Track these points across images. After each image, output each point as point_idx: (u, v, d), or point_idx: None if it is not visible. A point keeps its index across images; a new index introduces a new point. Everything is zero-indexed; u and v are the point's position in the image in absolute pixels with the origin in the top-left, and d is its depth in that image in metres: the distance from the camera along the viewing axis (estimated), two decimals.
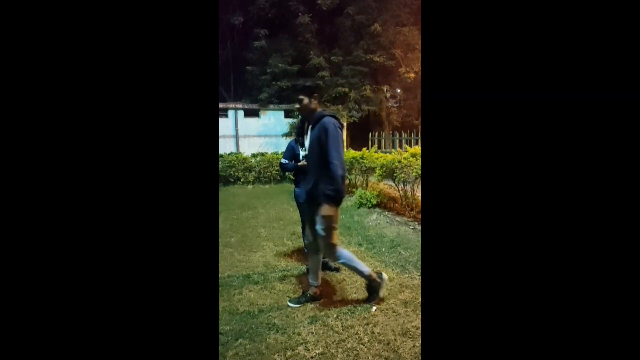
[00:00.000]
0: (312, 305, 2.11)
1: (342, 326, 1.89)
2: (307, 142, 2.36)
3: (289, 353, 1.66)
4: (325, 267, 2.68)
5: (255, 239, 3.58)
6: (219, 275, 2.61)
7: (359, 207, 4.70)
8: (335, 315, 1.99)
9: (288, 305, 2.13)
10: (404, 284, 2.40)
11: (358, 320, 1.94)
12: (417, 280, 2.46)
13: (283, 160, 2.65)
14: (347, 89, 9.92)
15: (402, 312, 2.01)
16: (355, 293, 2.28)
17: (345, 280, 2.49)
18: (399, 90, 12.81)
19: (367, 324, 1.90)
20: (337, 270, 2.66)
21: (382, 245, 3.25)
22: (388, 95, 11.90)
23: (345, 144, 10.62)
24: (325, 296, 2.24)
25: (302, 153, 2.54)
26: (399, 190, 4.57)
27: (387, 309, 2.05)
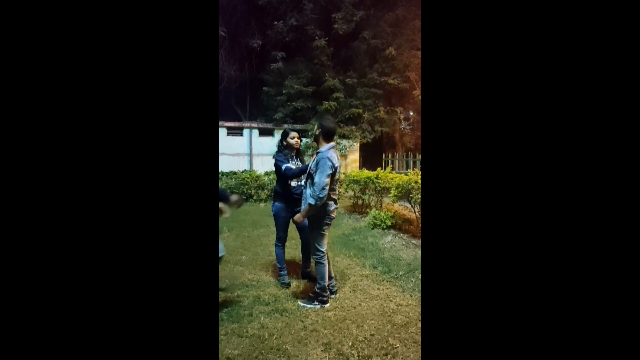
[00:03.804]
0: (326, 331, 1.98)
1: (358, 356, 1.75)
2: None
3: None
4: (306, 276, 2.79)
5: (267, 258, 3.48)
6: (229, 294, 2.52)
7: (372, 228, 4.57)
8: (350, 344, 1.86)
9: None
10: None
11: (375, 350, 1.80)
12: None
13: (289, 165, 2.59)
14: (360, 110, 9.99)
15: None
16: (371, 319, 2.14)
17: (360, 305, 2.36)
18: (412, 113, 12.84)
19: (386, 355, 1.76)
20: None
21: (399, 269, 3.10)
22: (402, 117, 11.93)
23: (358, 164, 10.60)
24: (338, 320, 2.11)
25: (284, 166, 2.55)
26: (415, 212, 4.44)
27: (406, 339, 1.91)
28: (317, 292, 2.34)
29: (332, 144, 2.28)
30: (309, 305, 2.31)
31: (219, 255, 2.14)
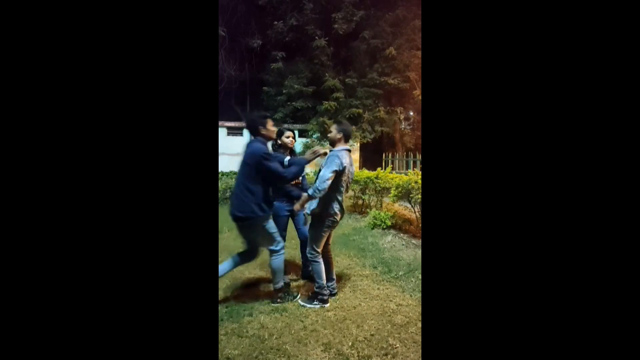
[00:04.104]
0: (326, 331, 1.98)
1: (358, 356, 1.75)
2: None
3: None
4: (307, 275, 2.80)
5: (267, 257, 3.48)
6: (228, 295, 2.52)
7: (372, 228, 4.57)
8: (350, 344, 1.86)
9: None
10: None
11: (375, 350, 1.80)
12: None
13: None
14: (360, 110, 9.99)
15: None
16: (371, 319, 2.14)
17: (360, 305, 2.36)
18: (412, 113, 12.83)
19: (386, 355, 1.76)
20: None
21: (399, 269, 3.10)
22: (402, 117, 11.93)
23: (358, 164, 10.59)
24: (338, 320, 2.11)
25: (287, 159, 2.61)
26: (415, 212, 4.44)
27: (406, 339, 1.91)
28: (316, 292, 2.35)
29: (347, 147, 2.33)
30: (308, 305, 2.31)
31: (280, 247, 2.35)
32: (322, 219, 2.27)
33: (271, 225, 2.27)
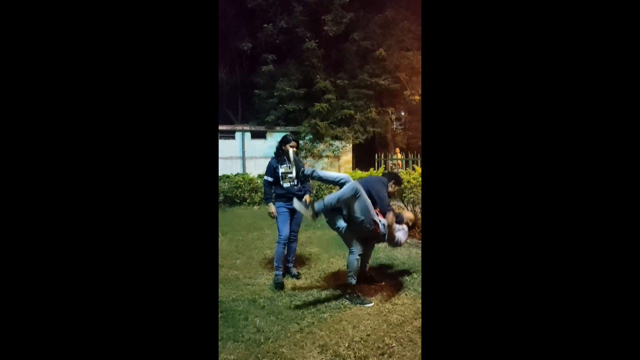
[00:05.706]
0: (322, 333, 1.98)
1: (355, 356, 1.75)
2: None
3: None
4: (287, 272, 2.93)
5: (262, 261, 3.46)
6: (224, 299, 2.50)
7: None
8: (346, 344, 1.86)
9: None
10: (420, 310, 2.26)
11: (372, 350, 1.80)
12: None
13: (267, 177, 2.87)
14: (352, 112, 10.02)
15: (418, 341, 1.86)
16: (367, 319, 2.14)
17: (356, 305, 2.36)
18: (403, 113, 12.93)
19: (382, 354, 1.76)
20: (297, 277, 2.90)
21: (394, 268, 3.11)
22: (393, 117, 12.00)
23: (351, 165, 10.62)
24: (334, 321, 2.11)
25: (281, 170, 2.81)
26: (408, 211, 4.46)
27: (402, 338, 1.91)
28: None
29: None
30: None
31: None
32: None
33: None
